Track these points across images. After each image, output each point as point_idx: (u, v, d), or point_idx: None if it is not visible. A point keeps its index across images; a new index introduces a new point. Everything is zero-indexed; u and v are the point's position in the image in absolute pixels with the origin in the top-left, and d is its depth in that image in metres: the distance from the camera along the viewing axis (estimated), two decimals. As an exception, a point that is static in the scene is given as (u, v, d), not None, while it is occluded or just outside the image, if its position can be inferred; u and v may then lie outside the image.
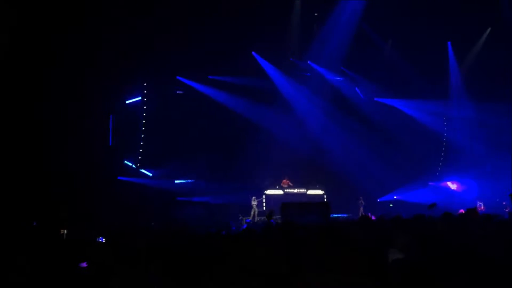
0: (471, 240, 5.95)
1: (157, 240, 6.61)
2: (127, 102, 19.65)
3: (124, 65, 17.43)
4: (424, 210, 12.53)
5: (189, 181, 20.77)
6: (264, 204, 21.51)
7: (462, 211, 12.15)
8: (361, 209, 21.74)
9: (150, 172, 19.81)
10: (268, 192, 22.00)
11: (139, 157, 19.45)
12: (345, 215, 20.56)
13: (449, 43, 23.19)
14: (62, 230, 10.92)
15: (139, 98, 19.69)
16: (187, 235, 7.21)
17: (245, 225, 17.42)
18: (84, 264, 5.83)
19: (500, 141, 21.12)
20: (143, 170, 19.64)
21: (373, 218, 12.97)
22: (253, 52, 21.59)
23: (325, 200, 21.56)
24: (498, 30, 21.18)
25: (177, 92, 20.90)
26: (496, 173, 20.21)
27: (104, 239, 8.42)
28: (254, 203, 20.20)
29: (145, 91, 19.60)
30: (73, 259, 5.68)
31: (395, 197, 23.48)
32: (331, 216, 15.71)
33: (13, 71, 14.70)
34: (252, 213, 20.03)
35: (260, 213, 20.77)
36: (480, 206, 18.86)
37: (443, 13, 19.61)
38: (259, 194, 21.18)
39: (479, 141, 22.45)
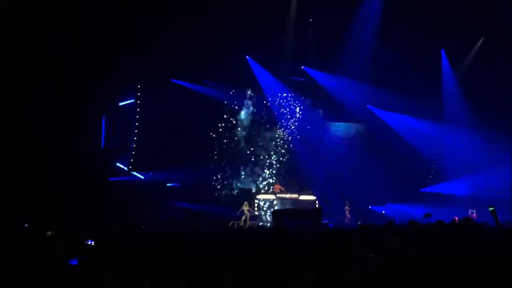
0: (461, 247, 5.97)
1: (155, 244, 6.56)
2: (120, 104, 19.53)
3: (118, 67, 17.32)
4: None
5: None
6: (256, 209, 21.44)
7: (456, 218, 12.15)
8: (347, 215, 21.69)
9: (142, 175, 19.68)
10: (260, 196, 21.94)
11: (131, 160, 19.29)
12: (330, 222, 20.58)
13: (442, 50, 23.22)
14: (48, 232, 10.78)
15: (133, 100, 19.54)
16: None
17: None
18: (74, 262, 5.75)
19: (496, 149, 21.17)
20: (135, 173, 19.51)
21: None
22: (246, 56, 21.55)
23: (317, 206, 21.51)
24: (495, 37, 21.23)
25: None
26: (491, 181, 20.22)
27: (93, 242, 8.32)
28: (245, 208, 20.10)
29: (139, 94, 19.47)
30: (63, 260, 5.62)
31: (386, 204, 23.46)
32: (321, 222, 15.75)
33: (5, 70, 14.58)
34: (243, 218, 19.95)
35: (251, 218, 20.73)
36: (473, 213, 18.86)
37: (440, 20, 19.69)
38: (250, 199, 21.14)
39: (474, 150, 22.46)
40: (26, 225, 11.99)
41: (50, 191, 15.36)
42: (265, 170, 23.16)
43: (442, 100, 23.64)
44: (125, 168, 19.25)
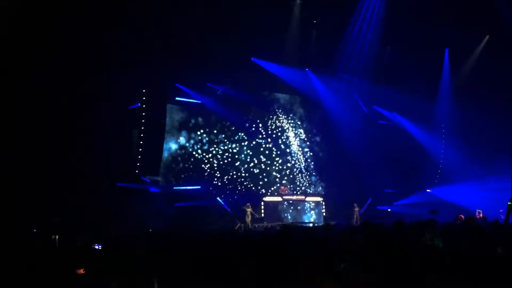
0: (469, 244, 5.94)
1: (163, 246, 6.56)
2: (130, 107, 19.57)
3: (124, 71, 17.35)
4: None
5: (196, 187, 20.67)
6: (262, 211, 21.46)
7: (461, 216, 12.16)
8: (356, 216, 21.66)
9: (148, 179, 19.68)
10: (267, 198, 21.95)
11: (138, 164, 19.31)
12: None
13: (446, 50, 23.13)
14: (53, 236, 10.79)
15: (138, 104, 19.55)
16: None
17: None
18: (81, 271, 5.76)
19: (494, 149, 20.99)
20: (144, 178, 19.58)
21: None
22: (252, 58, 21.51)
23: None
24: (497, 40, 21.17)
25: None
26: (495, 182, 20.05)
27: (100, 246, 8.34)
28: (248, 209, 20.17)
29: (144, 98, 19.49)
30: (69, 266, 5.62)
31: (393, 204, 23.46)
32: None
33: (16, 72, 14.65)
34: (246, 219, 19.98)
35: (257, 219, 20.77)
36: (479, 213, 18.77)
37: (443, 20, 19.61)
38: (255, 201, 21.10)
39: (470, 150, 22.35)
40: (34, 230, 12.01)
41: (54, 195, 15.39)
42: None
43: (437, 102, 23.61)
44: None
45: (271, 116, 23.74)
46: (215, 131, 22.30)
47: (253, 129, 23.10)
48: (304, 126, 24.68)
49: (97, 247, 7.88)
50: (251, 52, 21.14)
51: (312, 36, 22.07)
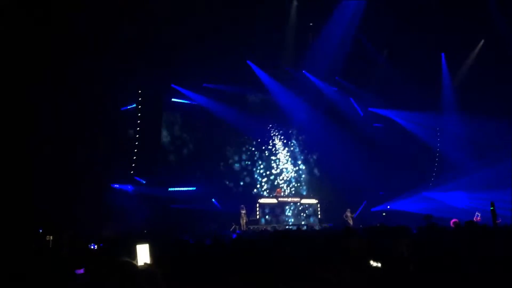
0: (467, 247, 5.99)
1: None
2: (122, 109, 19.51)
3: (119, 72, 17.31)
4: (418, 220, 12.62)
5: (190, 189, 20.34)
6: (257, 213, 21.42)
7: (456, 220, 12.23)
8: (350, 220, 21.55)
9: (143, 180, 19.59)
10: (262, 200, 21.92)
11: (133, 164, 19.24)
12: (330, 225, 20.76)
13: (442, 54, 23.29)
14: (48, 237, 10.75)
15: (134, 105, 19.51)
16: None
17: (234, 235, 17.36)
18: (81, 271, 5.75)
19: (491, 153, 21.10)
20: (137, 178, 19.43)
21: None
22: (248, 61, 21.48)
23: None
24: (491, 43, 21.32)
25: None
26: (489, 184, 20.14)
27: (96, 246, 8.32)
28: (243, 211, 20.12)
29: (140, 98, 19.44)
30: (69, 266, 5.61)
31: (388, 206, 23.50)
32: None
33: (9, 74, 14.59)
34: (241, 221, 19.96)
35: (253, 221, 20.74)
36: (478, 216, 18.82)
37: (438, 25, 19.73)
38: (248, 202, 21.04)
39: (469, 153, 22.46)
40: (40, 230, 11.96)
41: (51, 195, 15.33)
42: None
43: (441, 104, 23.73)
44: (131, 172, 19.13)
45: (264, 118, 23.54)
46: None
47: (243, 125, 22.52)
48: (301, 138, 24.59)
49: (92, 247, 7.88)
50: (246, 54, 21.11)
51: (308, 39, 22.13)
